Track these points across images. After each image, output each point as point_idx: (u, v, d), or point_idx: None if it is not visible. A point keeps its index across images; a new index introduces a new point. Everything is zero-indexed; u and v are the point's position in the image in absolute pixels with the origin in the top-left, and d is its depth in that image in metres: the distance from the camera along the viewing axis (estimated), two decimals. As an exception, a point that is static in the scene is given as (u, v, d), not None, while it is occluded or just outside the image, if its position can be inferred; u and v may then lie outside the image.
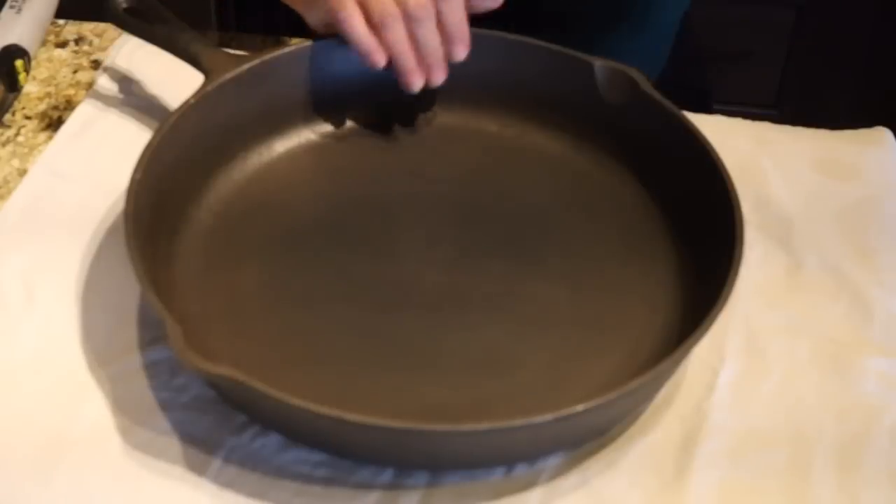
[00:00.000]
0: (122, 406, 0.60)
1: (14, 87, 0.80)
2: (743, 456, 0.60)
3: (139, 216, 0.62)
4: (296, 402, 0.54)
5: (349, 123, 0.76)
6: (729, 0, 1.53)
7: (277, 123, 0.74)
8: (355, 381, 0.61)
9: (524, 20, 0.78)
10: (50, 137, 0.77)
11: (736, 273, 0.61)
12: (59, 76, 0.83)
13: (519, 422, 0.55)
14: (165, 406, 0.60)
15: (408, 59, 0.69)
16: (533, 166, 0.75)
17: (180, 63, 0.73)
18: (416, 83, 0.70)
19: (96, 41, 0.86)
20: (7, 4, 0.83)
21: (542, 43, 0.75)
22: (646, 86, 0.72)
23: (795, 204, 0.75)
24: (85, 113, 0.78)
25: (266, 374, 0.55)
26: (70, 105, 0.80)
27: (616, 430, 0.61)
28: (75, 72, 0.83)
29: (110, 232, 0.69)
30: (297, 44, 0.75)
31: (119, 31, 0.82)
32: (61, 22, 0.87)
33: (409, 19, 0.68)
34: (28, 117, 0.79)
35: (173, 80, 0.75)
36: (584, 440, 0.60)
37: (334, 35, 0.71)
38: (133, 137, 0.74)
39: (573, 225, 0.71)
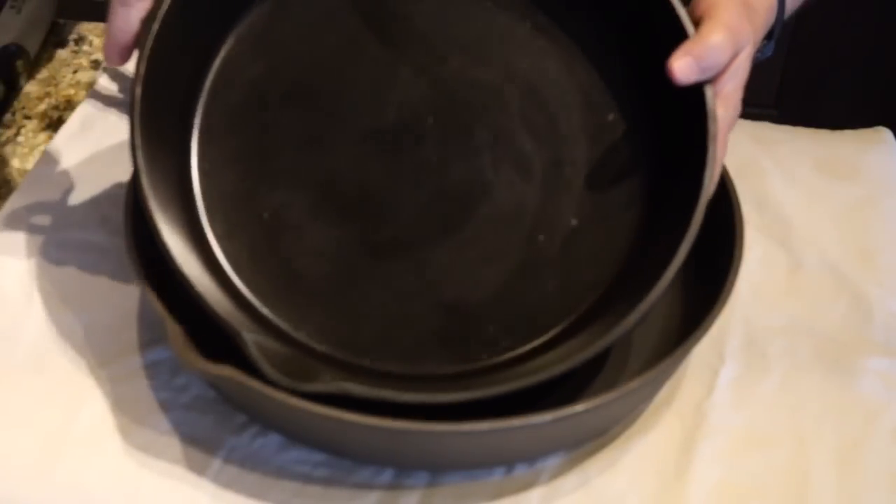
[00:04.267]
0: (122, 406, 0.60)
1: (14, 87, 0.80)
2: (743, 456, 0.60)
3: (139, 214, 0.62)
4: (296, 402, 0.54)
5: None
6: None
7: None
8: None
9: None
10: (50, 137, 0.77)
11: (736, 273, 0.61)
12: (59, 76, 0.83)
13: (519, 422, 0.55)
14: (165, 406, 0.60)
15: None
16: None
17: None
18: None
19: (96, 41, 0.86)
20: (7, 4, 0.83)
21: None
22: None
23: (795, 204, 0.75)
24: (85, 113, 0.78)
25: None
26: (70, 105, 0.80)
27: (616, 430, 0.61)
28: (75, 72, 0.83)
29: (110, 232, 0.69)
30: None
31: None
32: (61, 22, 0.87)
33: None
34: (28, 117, 0.79)
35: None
36: (584, 440, 0.60)
37: None
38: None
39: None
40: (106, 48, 0.61)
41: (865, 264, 0.71)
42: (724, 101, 0.60)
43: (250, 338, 0.55)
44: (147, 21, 0.59)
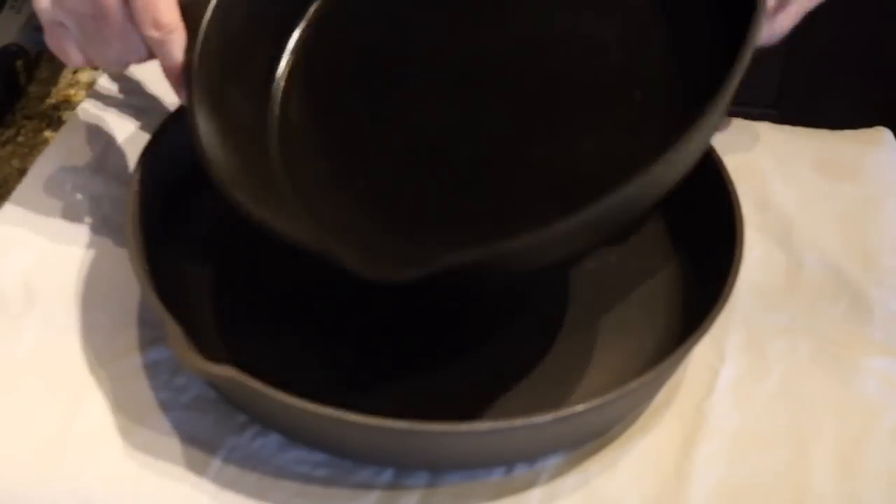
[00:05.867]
0: (122, 406, 0.60)
1: (14, 87, 0.80)
2: (743, 456, 0.60)
3: (141, 215, 0.62)
4: (296, 402, 0.54)
5: None
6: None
7: None
8: None
9: None
10: (50, 137, 0.77)
11: (736, 273, 0.61)
12: (59, 76, 0.83)
13: (519, 422, 0.55)
14: (165, 406, 0.60)
15: None
16: None
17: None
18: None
19: (96, 41, 0.86)
20: (7, 4, 0.83)
21: None
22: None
23: (795, 204, 0.75)
24: (85, 113, 0.78)
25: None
26: (70, 105, 0.80)
27: (616, 430, 0.61)
28: (75, 72, 0.83)
29: (110, 232, 0.69)
30: None
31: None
32: (61, 22, 0.87)
33: None
34: (28, 117, 0.79)
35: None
36: (584, 440, 0.60)
37: None
38: (133, 138, 0.74)
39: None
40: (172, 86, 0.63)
41: (865, 264, 0.71)
42: None
43: (342, 250, 0.55)
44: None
